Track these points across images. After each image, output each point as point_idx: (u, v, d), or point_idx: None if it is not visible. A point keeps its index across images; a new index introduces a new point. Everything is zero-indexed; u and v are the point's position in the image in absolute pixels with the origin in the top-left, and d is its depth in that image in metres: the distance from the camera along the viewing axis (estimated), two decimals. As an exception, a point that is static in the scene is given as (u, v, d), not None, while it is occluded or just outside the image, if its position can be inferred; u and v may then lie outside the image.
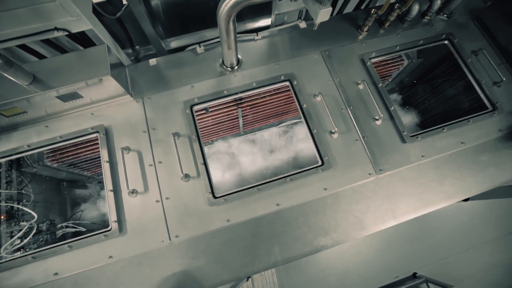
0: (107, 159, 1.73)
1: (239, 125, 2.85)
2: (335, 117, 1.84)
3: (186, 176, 1.68)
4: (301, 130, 3.29)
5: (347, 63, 2.04)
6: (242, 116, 2.64)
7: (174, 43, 2.52)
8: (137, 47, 2.53)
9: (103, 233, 1.59)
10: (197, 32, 2.49)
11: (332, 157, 1.77)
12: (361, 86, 1.95)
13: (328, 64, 2.03)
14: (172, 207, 1.65)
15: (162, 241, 1.59)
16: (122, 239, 1.60)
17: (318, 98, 1.91)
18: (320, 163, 1.77)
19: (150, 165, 1.74)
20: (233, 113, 2.54)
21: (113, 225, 1.60)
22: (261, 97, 2.43)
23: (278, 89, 2.46)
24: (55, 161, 2.35)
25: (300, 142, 3.21)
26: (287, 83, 1.98)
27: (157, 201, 1.67)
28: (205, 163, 1.73)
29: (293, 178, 1.71)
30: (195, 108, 1.91)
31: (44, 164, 2.34)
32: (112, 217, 1.62)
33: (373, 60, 2.08)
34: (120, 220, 1.63)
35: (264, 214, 1.66)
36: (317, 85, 1.96)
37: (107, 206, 1.64)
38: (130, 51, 2.52)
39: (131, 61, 2.10)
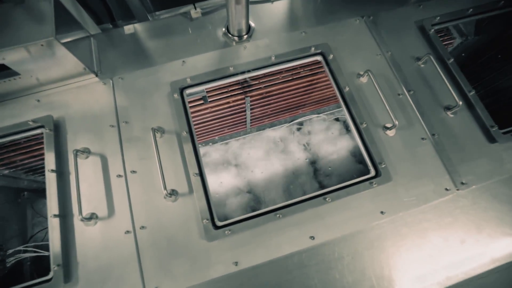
0: (53, 167, 1.16)
1: (246, 120, 2.27)
2: (390, 105, 1.26)
3: (172, 193, 1.11)
4: (336, 127, 2.61)
5: (400, 32, 1.48)
6: (251, 108, 2.05)
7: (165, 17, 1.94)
8: (119, 21, 1.96)
9: (38, 285, 1.00)
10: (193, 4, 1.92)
11: (390, 164, 1.19)
12: (423, 63, 1.38)
13: (375, 33, 1.46)
14: (150, 242, 1.09)
15: (133, 298, 1.01)
16: (69, 295, 1.01)
17: (364, 79, 1.34)
18: (373, 173, 1.19)
19: (119, 176, 1.18)
20: (239, 104, 1.95)
21: (56, 272, 1.02)
22: (277, 83, 1.85)
23: (298, 72, 1.89)
24: (2, 166, 1.77)
25: (338, 144, 2.51)
26: (319, 58, 1.40)
27: (127, 232, 1.10)
28: (201, 174, 1.15)
29: (334, 197, 1.14)
30: (187, 92, 1.33)
31: (-13, 170, 1.77)
32: (55, 258, 1.03)
33: (436, 28, 1.50)
34: (67, 263, 1.05)
35: (291, 252, 1.09)
36: (361, 61, 1.40)
37: (49, 240, 1.05)
38: (110, 26, 1.95)
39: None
